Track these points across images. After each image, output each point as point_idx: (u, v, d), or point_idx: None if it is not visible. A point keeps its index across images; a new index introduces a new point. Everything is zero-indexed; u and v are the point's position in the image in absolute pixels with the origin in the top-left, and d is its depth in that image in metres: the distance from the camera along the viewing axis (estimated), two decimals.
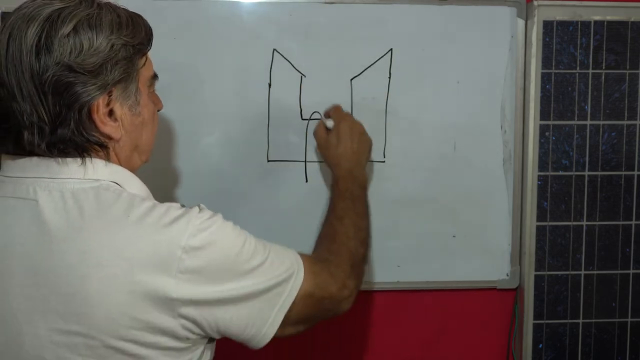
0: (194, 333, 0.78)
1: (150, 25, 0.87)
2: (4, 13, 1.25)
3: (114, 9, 0.81)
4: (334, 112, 1.18)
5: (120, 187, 0.81)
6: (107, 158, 0.81)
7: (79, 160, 0.78)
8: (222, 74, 1.30)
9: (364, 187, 1.10)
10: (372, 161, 1.35)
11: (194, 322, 0.77)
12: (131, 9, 0.85)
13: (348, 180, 1.08)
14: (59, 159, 0.77)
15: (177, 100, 1.30)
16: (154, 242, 0.75)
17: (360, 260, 0.99)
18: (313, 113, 1.32)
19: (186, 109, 1.30)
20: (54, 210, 0.75)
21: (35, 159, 0.78)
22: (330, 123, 1.16)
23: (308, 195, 1.34)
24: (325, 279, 0.90)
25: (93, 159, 0.79)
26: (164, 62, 1.26)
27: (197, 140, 1.32)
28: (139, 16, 0.86)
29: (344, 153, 1.11)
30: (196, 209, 0.80)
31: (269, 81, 1.31)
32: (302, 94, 1.32)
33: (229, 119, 1.32)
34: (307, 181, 1.34)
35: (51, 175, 0.77)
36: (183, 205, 0.81)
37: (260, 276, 0.81)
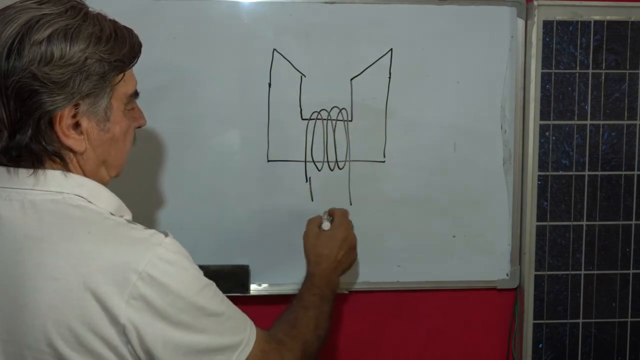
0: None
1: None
2: None
3: (100, 21, 0.79)
4: (339, 215, 1.17)
5: (87, 200, 0.78)
6: (67, 169, 0.79)
7: (30, 170, 0.76)
8: (222, 74, 1.30)
9: (335, 292, 1.09)
10: (372, 161, 1.35)
11: (134, 349, 0.74)
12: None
13: (323, 281, 1.07)
14: (11, 169, 0.76)
15: (176, 100, 1.30)
16: (111, 261, 0.72)
17: (312, 354, 0.97)
18: (313, 113, 1.33)
19: (186, 108, 1.30)
20: (12, 220, 0.74)
21: None
22: (327, 225, 1.15)
23: (308, 195, 1.34)
24: None
25: (47, 170, 0.77)
26: (164, 62, 1.27)
27: (197, 140, 1.32)
28: (129, 32, 0.83)
29: (328, 256, 1.10)
30: (162, 236, 0.76)
31: (269, 81, 1.31)
32: (302, 94, 1.32)
33: (229, 119, 1.32)
34: (307, 181, 1.34)
35: (12, 186, 0.76)
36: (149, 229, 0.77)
37: (211, 330, 0.78)
